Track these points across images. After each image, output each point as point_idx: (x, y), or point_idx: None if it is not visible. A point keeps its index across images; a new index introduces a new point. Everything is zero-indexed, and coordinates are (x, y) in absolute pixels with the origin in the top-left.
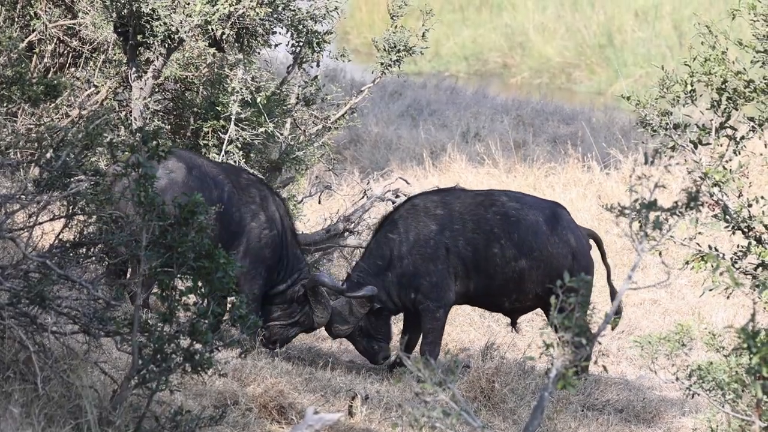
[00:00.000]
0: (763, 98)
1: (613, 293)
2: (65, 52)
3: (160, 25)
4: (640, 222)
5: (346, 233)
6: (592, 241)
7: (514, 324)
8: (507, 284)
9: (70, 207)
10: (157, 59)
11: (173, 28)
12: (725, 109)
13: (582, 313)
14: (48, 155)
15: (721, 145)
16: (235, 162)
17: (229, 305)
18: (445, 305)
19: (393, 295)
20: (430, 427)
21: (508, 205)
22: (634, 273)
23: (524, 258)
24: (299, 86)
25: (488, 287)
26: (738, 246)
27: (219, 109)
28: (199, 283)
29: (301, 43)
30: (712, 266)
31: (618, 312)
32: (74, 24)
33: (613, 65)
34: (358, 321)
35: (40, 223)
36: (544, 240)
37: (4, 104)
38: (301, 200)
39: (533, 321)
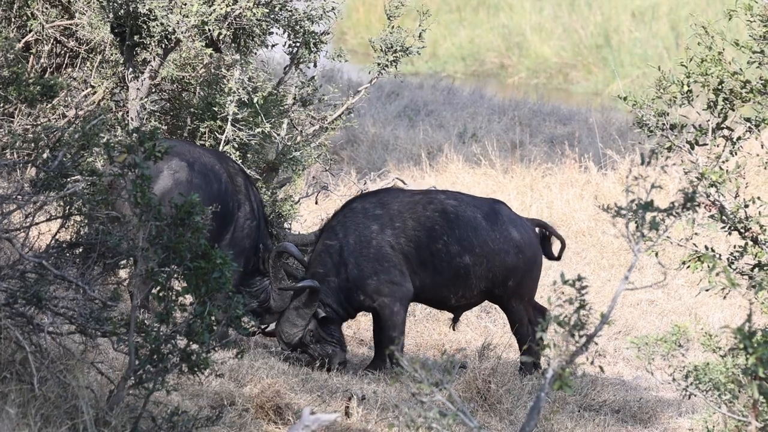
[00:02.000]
0: (759, 99)
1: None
2: (62, 52)
3: (157, 25)
4: (636, 222)
5: None
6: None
7: (456, 320)
8: (455, 280)
9: (67, 207)
10: (154, 59)
11: (170, 29)
12: (722, 109)
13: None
14: (45, 155)
15: (718, 146)
16: None
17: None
18: (401, 299)
19: (342, 300)
20: (426, 428)
21: (446, 202)
22: (630, 273)
23: (467, 254)
24: (296, 87)
25: (436, 282)
26: (735, 246)
27: (216, 109)
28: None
29: (298, 44)
30: (709, 267)
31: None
32: (71, 24)
33: (610, 66)
34: (307, 323)
35: (37, 224)
36: (485, 236)
37: (1, 105)
38: (298, 200)
39: None
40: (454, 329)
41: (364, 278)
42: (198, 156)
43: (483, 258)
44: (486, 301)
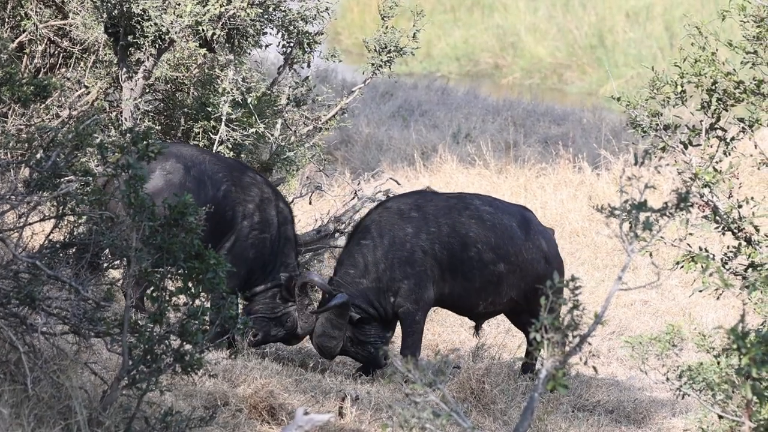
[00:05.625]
0: (753, 99)
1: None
2: (56, 52)
3: (151, 25)
4: (630, 223)
5: (337, 234)
6: None
7: (478, 329)
8: (486, 287)
9: (60, 207)
10: (148, 60)
11: (164, 29)
12: (715, 110)
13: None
14: (38, 156)
15: (711, 146)
16: None
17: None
18: (424, 308)
19: (373, 302)
20: (420, 428)
21: (482, 209)
22: (624, 274)
23: (502, 262)
24: (290, 87)
25: (466, 290)
26: (728, 247)
27: (210, 109)
28: (190, 284)
29: (291, 44)
30: (702, 267)
31: None
32: (65, 24)
33: (604, 66)
34: (344, 332)
35: (30, 224)
36: (520, 245)
37: None
38: (292, 201)
39: None
40: (476, 336)
41: (395, 280)
42: (200, 161)
43: (517, 267)
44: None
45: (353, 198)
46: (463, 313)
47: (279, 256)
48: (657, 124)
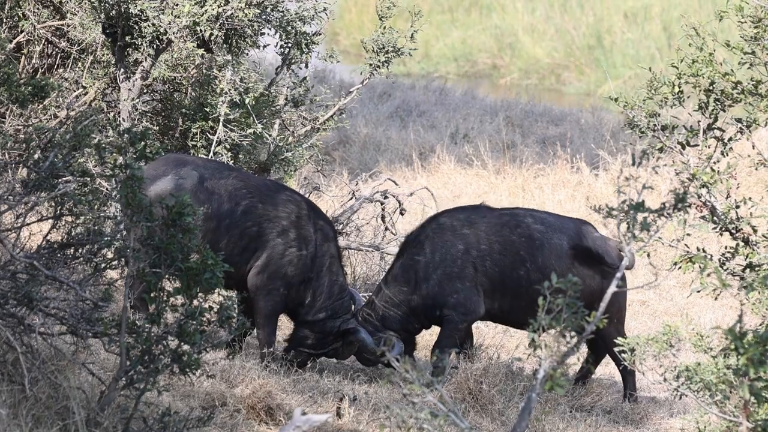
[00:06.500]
0: (750, 100)
1: None
2: (53, 52)
3: (149, 26)
4: (628, 223)
5: None
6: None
7: None
8: (532, 306)
9: (58, 208)
10: (146, 60)
11: (162, 29)
12: (713, 110)
13: (570, 314)
14: (36, 156)
15: (709, 147)
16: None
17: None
18: (471, 320)
19: (420, 317)
20: (417, 429)
21: (533, 227)
22: (622, 274)
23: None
24: (288, 87)
25: (514, 307)
26: (726, 247)
27: (207, 110)
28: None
29: (289, 45)
30: (700, 267)
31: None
32: (62, 25)
33: (602, 66)
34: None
35: (28, 224)
36: (568, 264)
37: None
38: None
39: None
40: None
41: (444, 294)
42: (220, 176)
43: None
44: None
45: (351, 198)
46: (518, 328)
47: (324, 276)
48: (655, 125)
